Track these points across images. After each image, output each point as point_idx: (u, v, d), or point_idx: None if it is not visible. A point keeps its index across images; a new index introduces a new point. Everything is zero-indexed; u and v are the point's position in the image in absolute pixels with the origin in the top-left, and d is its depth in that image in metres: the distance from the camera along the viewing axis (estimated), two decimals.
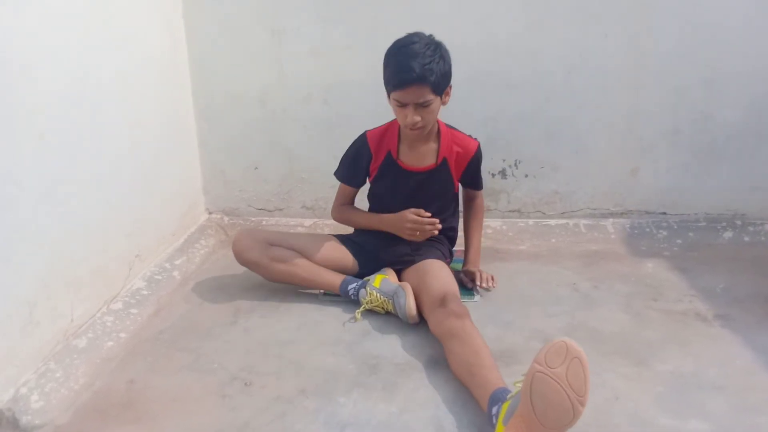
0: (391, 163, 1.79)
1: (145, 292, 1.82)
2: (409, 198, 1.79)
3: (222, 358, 1.52)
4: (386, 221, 1.79)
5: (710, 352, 1.50)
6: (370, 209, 1.92)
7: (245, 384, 1.41)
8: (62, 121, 1.50)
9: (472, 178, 1.86)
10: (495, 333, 1.60)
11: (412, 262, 1.79)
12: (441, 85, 1.60)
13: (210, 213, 2.46)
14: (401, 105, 1.61)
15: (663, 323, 1.65)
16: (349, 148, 1.85)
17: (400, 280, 1.78)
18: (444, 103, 1.68)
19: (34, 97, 1.39)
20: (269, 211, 2.44)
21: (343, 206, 1.91)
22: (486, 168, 2.30)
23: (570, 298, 1.80)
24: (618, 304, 1.76)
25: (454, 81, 2.19)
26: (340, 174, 1.88)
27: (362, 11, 2.15)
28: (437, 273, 1.68)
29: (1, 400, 1.28)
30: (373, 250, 1.83)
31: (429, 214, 1.71)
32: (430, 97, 1.59)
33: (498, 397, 1.21)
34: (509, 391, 1.21)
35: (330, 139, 2.25)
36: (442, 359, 1.47)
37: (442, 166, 1.78)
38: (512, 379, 1.39)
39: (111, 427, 1.28)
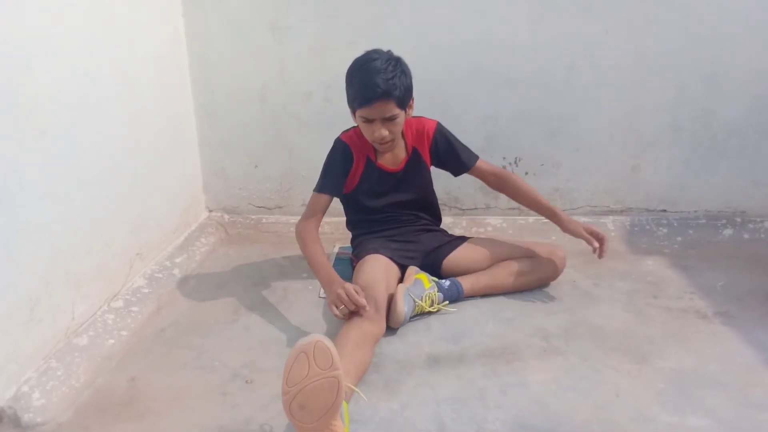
0: (372, 168, 1.80)
1: (146, 290, 1.82)
2: (393, 196, 1.84)
3: (223, 356, 1.52)
4: (323, 275, 1.62)
5: (711, 349, 1.50)
6: (351, 217, 1.92)
7: (246, 381, 1.41)
8: (63, 119, 1.50)
9: (454, 153, 1.81)
10: (496, 330, 1.61)
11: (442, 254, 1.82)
12: (405, 99, 1.64)
13: (210, 211, 2.46)
14: (368, 121, 1.65)
15: (663, 320, 1.65)
16: (331, 155, 1.81)
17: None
18: (408, 115, 1.71)
19: (35, 95, 1.39)
20: (269, 209, 2.44)
21: (311, 225, 1.75)
22: None
23: (570, 295, 1.80)
24: (618, 301, 1.76)
25: (453, 78, 2.22)
26: (321, 184, 1.79)
27: (363, 8, 2.14)
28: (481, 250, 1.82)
29: (3, 398, 1.28)
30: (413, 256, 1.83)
31: (364, 302, 1.51)
32: (396, 111, 1.63)
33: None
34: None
35: (331, 136, 2.20)
36: (443, 357, 1.48)
37: (414, 154, 1.81)
38: (510, 378, 1.40)
39: (112, 424, 1.28)
